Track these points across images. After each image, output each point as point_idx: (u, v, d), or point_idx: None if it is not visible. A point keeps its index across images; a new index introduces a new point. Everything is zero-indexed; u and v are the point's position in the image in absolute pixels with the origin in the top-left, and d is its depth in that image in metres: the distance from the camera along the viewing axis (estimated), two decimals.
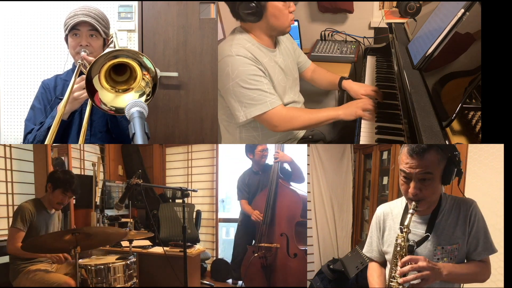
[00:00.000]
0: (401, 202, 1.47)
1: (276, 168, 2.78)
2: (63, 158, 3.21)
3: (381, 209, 1.53)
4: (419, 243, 1.35)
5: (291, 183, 2.82)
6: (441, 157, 1.29)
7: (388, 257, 1.46)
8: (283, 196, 2.75)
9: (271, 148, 2.93)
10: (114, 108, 1.53)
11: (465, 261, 1.41)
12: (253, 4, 2.03)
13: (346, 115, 2.11)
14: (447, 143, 1.32)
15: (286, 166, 2.86)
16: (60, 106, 1.78)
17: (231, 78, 2.04)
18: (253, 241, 2.84)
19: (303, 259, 2.63)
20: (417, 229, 1.39)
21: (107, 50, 1.99)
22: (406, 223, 1.32)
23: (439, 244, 1.36)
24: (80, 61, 1.88)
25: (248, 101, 2.05)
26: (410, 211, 1.32)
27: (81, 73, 1.85)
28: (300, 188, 2.83)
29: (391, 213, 1.48)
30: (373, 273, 1.54)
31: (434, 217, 1.37)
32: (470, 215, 1.37)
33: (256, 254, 2.70)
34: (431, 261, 1.29)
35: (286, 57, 2.34)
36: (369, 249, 1.56)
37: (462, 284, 1.45)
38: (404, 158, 1.31)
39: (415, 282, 1.27)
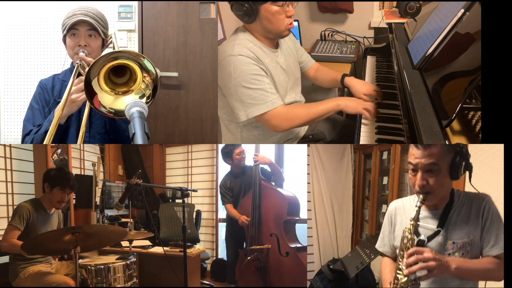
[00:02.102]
0: (414, 198, 1.47)
1: (257, 170, 2.79)
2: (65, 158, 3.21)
3: (394, 205, 1.53)
4: (430, 238, 1.33)
5: (273, 183, 2.85)
6: (448, 149, 1.29)
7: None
8: (267, 196, 2.76)
9: (247, 148, 2.94)
10: (113, 111, 1.51)
11: (480, 257, 1.38)
12: (245, 7, 2.03)
13: (347, 107, 2.10)
14: (447, 143, 1.32)
15: (266, 167, 2.88)
16: (58, 109, 1.75)
17: (233, 78, 2.04)
18: (244, 244, 2.85)
19: (295, 256, 2.62)
20: (429, 224, 1.38)
21: (106, 50, 1.99)
22: (413, 215, 1.32)
23: (451, 239, 1.35)
24: (78, 61, 1.85)
25: (250, 100, 2.05)
26: (418, 203, 1.31)
27: (79, 74, 1.82)
28: (287, 189, 2.85)
29: (403, 208, 1.49)
30: (386, 268, 1.54)
31: (447, 212, 1.36)
32: (483, 209, 1.34)
33: (248, 258, 2.69)
34: (438, 254, 1.27)
35: (288, 57, 2.33)
36: (381, 244, 1.57)
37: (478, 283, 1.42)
38: (411, 151, 1.32)
39: (421, 274, 1.25)
